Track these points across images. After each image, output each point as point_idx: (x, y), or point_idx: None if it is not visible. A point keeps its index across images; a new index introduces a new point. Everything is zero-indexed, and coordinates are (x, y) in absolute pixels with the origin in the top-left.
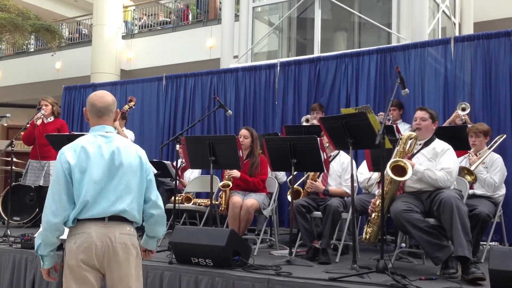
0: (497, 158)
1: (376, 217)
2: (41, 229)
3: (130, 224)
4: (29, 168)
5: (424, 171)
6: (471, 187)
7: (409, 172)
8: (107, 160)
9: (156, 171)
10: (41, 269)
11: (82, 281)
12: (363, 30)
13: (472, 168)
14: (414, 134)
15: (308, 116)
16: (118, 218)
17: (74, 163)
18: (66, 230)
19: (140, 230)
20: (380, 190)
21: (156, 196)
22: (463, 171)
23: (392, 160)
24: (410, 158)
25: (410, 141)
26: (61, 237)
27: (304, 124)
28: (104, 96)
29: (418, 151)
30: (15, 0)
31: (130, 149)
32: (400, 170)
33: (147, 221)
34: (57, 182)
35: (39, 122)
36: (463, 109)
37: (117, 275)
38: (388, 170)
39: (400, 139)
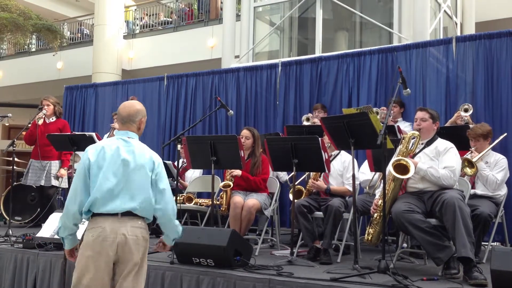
0: (502, 159)
1: (378, 217)
2: (62, 214)
3: (142, 219)
4: (30, 168)
5: (427, 169)
6: (472, 187)
7: (411, 170)
8: (122, 162)
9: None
10: (64, 250)
11: (98, 260)
12: (364, 30)
13: (473, 160)
14: (417, 133)
15: (309, 114)
16: (130, 214)
17: (94, 161)
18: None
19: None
20: (382, 190)
21: (164, 204)
22: (464, 162)
23: (394, 158)
24: (412, 157)
25: (412, 140)
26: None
27: (305, 123)
28: (128, 107)
29: (420, 151)
30: (17, 0)
31: (145, 153)
32: (402, 169)
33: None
34: (77, 175)
35: (40, 122)
36: (466, 110)
37: (127, 264)
38: (390, 169)
39: (403, 138)
